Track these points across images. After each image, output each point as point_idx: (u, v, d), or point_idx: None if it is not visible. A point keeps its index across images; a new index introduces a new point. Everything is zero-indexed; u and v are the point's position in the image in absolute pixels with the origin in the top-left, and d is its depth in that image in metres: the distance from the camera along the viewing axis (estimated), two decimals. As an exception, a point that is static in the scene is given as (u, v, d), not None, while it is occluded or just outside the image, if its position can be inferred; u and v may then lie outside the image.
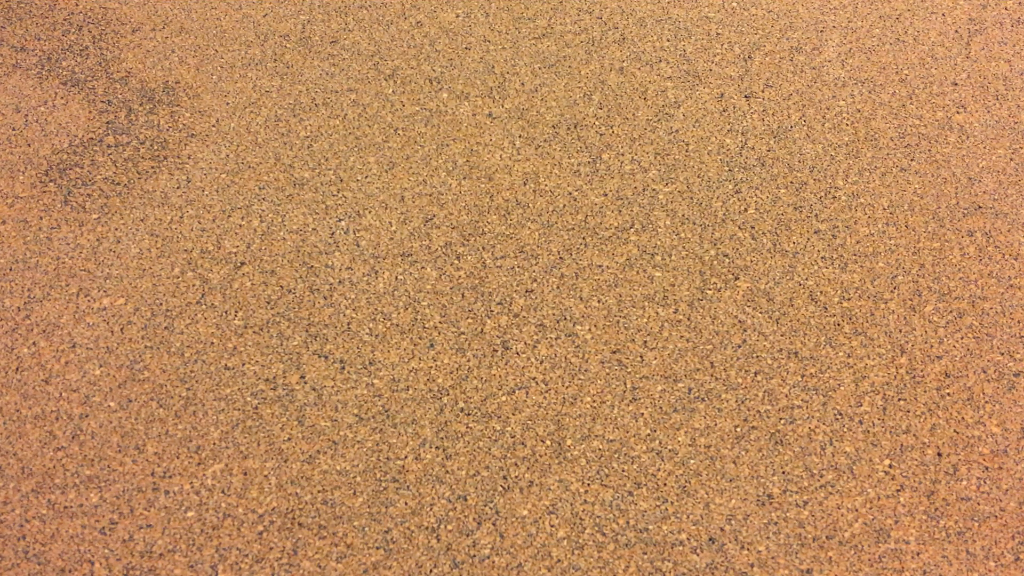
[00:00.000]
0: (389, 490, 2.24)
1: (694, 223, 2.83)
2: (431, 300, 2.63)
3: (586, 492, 2.24)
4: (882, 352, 2.53)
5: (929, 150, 3.07)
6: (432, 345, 2.53)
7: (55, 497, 2.22)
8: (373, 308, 2.61)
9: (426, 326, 2.57)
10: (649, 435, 2.35)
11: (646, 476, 2.27)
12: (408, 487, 2.25)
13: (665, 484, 2.25)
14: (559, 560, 2.13)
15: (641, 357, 2.50)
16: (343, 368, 2.47)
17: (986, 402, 2.43)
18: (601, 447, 2.32)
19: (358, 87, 3.26)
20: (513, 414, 2.38)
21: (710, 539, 2.17)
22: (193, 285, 2.66)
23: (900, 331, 2.58)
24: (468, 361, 2.49)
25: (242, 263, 2.71)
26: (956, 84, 3.30)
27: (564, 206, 2.87)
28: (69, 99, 3.21)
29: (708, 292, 2.65)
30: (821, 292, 2.66)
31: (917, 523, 2.20)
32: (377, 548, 2.14)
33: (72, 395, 2.41)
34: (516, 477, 2.27)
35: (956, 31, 3.52)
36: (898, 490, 2.26)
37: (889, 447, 2.34)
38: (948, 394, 2.44)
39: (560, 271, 2.70)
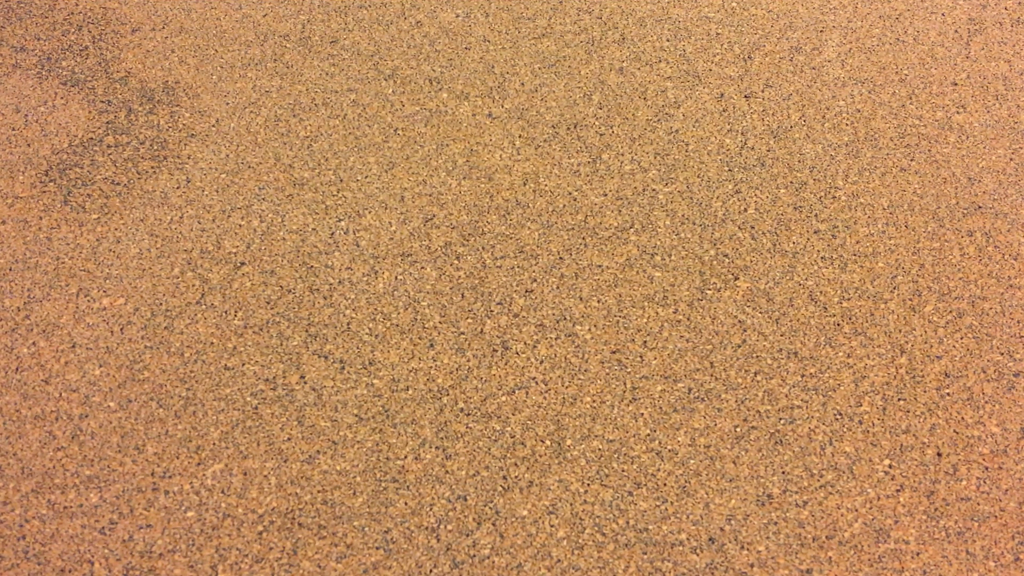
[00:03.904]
0: (389, 490, 2.24)
1: (694, 223, 2.83)
2: (431, 300, 2.63)
3: (586, 492, 2.24)
4: (882, 352, 2.53)
5: (929, 150, 3.07)
6: (432, 345, 2.53)
7: (55, 497, 2.22)
8: (373, 308, 2.61)
9: (426, 326, 2.57)
10: (649, 435, 2.35)
11: (646, 476, 2.27)
12: (408, 487, 2.25)
13: (665, 484, 2.26)
14: (559, 560, 2.13)
15: (641, 357, 2.50)
16: (343, 368, 2.47)
17: (986, 402, 2.43)
18: (601, 447, 2.32)
19: (358, 87, 3.26)
20: (513, 414, 2.38)
21: (710, 539, 2.17)
22: (193, 285, 2.66)
23: (900, 331, 2.58)
24: (468, 361, 2.49)
25: (242, 263, 2.71)
26: (956, 84, 3.30)
27: (564, 206, 2.87)
28: (69, 99, 3.21)
29: (708, 292, 2.66)
30: (821, 292, 2.66)
31: (917, 523, 2.20)
32: (377, 548, 2.14)
33: (72, 395, 2.41)
34: (516, 477, 2.27)
35: (956, 31, 3.52)
36: (898, 490, 2.26)
37: (889, 447, 2.34)
38: (948, 394, 2.44)
39: (560, 271, 2.70)
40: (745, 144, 3.07)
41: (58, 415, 2.37)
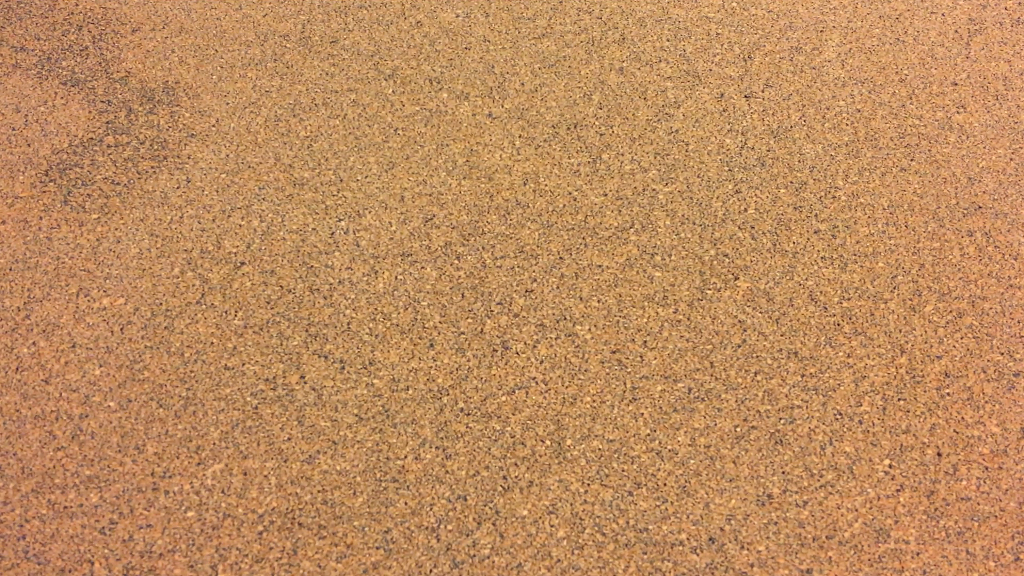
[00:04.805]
0: (389, 490, 2.24)
1: (694, 223, 2.83)
2: (431, 300, 2.63)
3: (586, 492, 2.24)
4: (882, 352, 2.53)
5: (929, 150, 3.07)
6: (432, 345, 2.53)
7: (55, 497, 2.22)
8: (373, 308, 2.61)
9: (426, 326, 2.57)
10: (649, 435, 2.35)
11: (646, 476, 2.27)
12: (408, 487, 2.25)
13: (665, 484, 2.26)
14: (559, 560, 2.13)
15: (641, 357, 2.50)
16: (343, 368, 2.47)
17: (986, 402, 2.43)
18: (601, 447, 2.32)
19: (358, 87, 3.26)
20: (513, 414, 2.38)
21: (710, 539, 2.17)
22: (193, 285, 2.66)
23: (900, 331, 2.58)
24: (468, 361, 2.49)
25: (242, 263, 2.71)
26: (956, 84, 3.30)
27: (564, 206, 2.87)
28: (69, 99, 3.21)
29: (708, 292, 2.66)
30: (821, 292, 2.66)
31: (917, 523, 2.20)
32: (377, 548, 2.14)
33: (72, 395, 2.41)
34: (516, 477, 2.27)
35: (956, 31, 3.52)
36: (898, 490, 2.26)
37: (889, 447, 2.34)
38: (948, 394, 2.44)
39: (560, 271, 2.70)
40: (745, 144, 3.07)
41: (58, 415, 2.37)
